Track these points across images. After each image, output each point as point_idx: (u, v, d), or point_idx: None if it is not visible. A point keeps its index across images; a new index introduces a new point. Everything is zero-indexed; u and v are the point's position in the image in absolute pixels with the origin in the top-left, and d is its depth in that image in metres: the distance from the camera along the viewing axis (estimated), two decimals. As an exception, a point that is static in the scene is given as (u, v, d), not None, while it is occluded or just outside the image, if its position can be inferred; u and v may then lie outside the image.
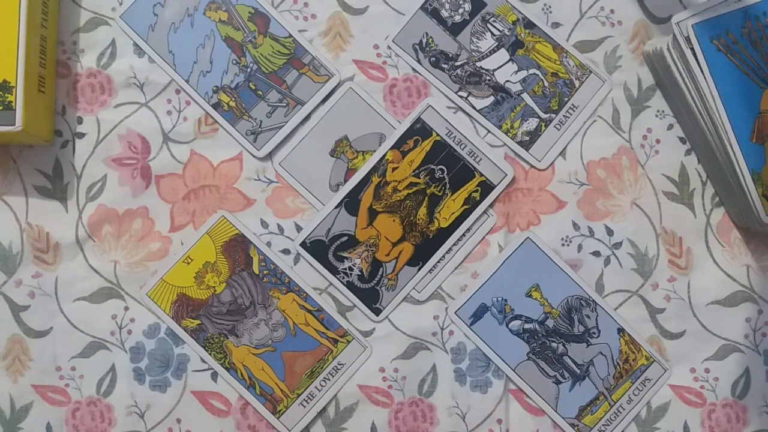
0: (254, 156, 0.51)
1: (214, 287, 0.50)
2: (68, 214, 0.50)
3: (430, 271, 0.50)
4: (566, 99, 0.51)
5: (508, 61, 0.51)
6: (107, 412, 0.49)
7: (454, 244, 0.50)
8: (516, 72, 0.51)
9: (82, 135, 0.51)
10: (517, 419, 0.49)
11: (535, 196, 0.51)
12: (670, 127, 0.51)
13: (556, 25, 0.52)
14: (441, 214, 0.50)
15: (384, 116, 0.51)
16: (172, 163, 0.51)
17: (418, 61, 0.51)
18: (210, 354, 0.49)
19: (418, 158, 0.50)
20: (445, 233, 0.50)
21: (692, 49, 0.46)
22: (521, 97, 0.51)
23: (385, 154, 0.50)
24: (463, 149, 0.50)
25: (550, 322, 0.50)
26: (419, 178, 0.50)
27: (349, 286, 0.50)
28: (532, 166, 0.51)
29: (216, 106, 0.51)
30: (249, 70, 0.51)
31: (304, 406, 0.49)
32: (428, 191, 0.50)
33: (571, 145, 0.51)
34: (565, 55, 0.51)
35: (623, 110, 0.51)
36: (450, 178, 0.50)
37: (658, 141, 0.51)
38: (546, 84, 0.51)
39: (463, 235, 0.50)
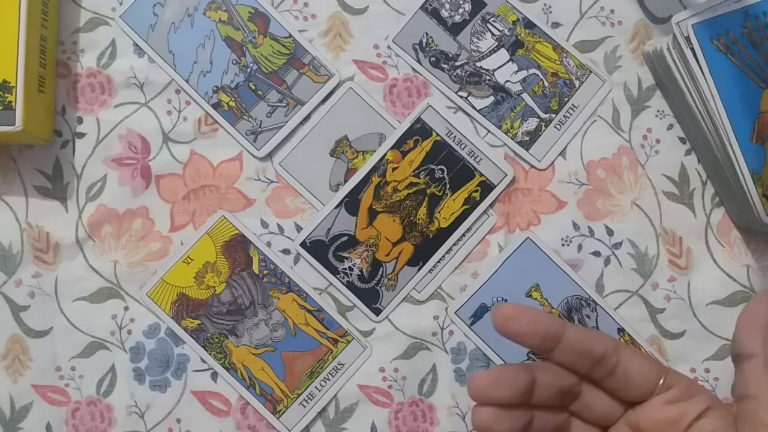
0: (254, 156, 0.51)
1: (214, 287, 0.50)
2: (68, 214, 0.50)
3: (430, 271, 0.50)
4: (566, 99, 0.51)
5: (508, 61, 0.51)
6: (107, 412, 0.49)
7: (454, 244, 0.50)
8: (516, 72, 0.51)
9: (82, 135, 0.51)
10: (517, 419, 0.49)
11: (535, 196, 0.51)
12: (670, 127, 0.51)
13: (556, 25, 0.52)
14: (441, 214, 0.50)
15: (384, 116, 0.51)
16: (172, 163, 0.51)
17: (418, 61, 0.51)
18: (210, 354, 0.49)
19: (418, 158, 0.50)
20: (445, 233, 0.50)
21: (692, 49, 0.46)
22: (521, 97, 0.51)
23: (385, 154, 0.50)
24: (463, 149, 0.50)
25: (550, 322, 0.49)
26: (419, 178, 0.50)
27: (349, 286, 0.50)
28: (532, 166, 0.51)
29: (216, 106, 0.51)
30: (249, 70, 0.51)
31: (304, 406, 0.49)
32: (428, 191, 0.50)
33: (571, 145, 0.51)
34: (565, 55, 0.51)
35: (623, 110, 0.51)
36: (450, 178, 0.50)
37: (658, 141, 0.51)
38: (546, 84, 0.51)
39: (463, 235, 0.50)
